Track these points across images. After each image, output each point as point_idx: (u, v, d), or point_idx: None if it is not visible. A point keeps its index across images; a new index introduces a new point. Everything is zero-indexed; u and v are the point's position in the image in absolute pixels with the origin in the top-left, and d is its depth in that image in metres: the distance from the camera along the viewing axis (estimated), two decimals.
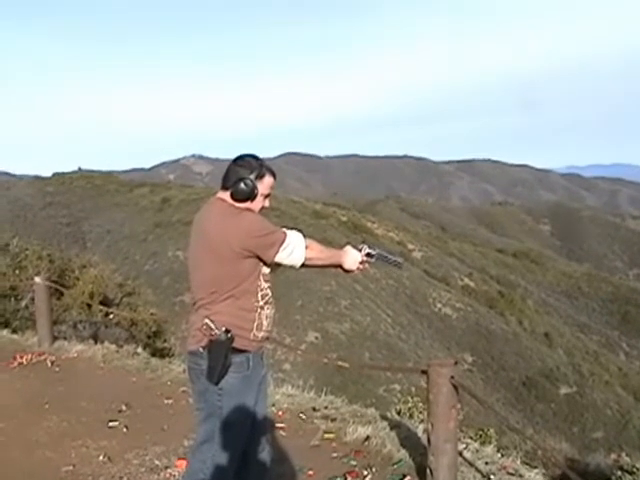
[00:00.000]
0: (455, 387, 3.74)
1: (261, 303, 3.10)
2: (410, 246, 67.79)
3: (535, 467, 5.07)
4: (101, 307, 9.57)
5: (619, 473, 7.29)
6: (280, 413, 5.59)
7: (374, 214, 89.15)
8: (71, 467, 4.61)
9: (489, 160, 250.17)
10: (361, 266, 3.24)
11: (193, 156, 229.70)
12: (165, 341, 11.36)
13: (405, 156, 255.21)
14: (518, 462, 4.87)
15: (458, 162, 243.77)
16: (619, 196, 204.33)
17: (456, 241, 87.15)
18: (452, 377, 3.72)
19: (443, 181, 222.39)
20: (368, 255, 3.24)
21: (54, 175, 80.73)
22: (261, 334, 3.12)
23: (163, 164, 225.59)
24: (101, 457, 4.76)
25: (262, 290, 3.11)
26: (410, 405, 8.40)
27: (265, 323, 3.13)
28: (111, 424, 5.47)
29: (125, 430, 5.36)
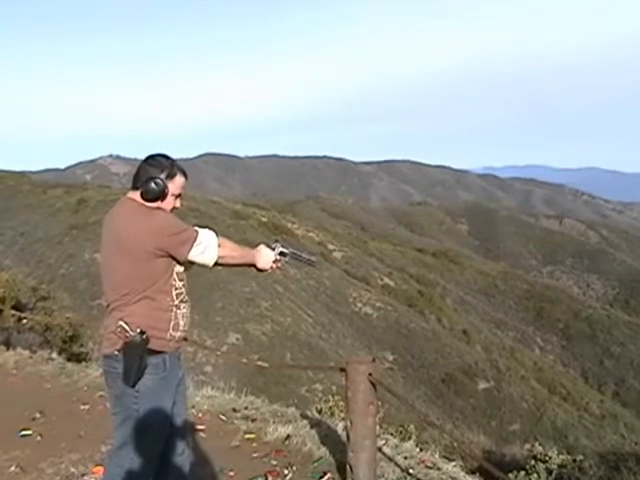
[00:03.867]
0: (373, 384, 3.79)
1: (176, 302, 3.08)
2: (330, 246, 68.12)
3: (453, 460, 5.19)
4: (13, 312, 9.25)
5: (532, 462, 7.58)
6: (200, 415, 5.55)
7: (294, 214, 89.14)
8: None
9: (408, 161, 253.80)
10: (274, 265, 3.26)
11: (110, 156, 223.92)
12: (82, 345, 11.08)
13: (325, 156, 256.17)
14: (437, 456, 4.99)
15: (378, 163, 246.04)
16: (533, 196, 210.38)
17: (376, 241, 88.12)
18: (370, 374, 3.77)
19: (363, 181, 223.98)
20: (281, 254, 3.27)
21: None
22: (178, 334, 3.09)
23: (79, 164, 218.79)
24: (13, 468, 4.60)
25: (177, 289, 3.08)
26: (331, 404, 8.46)
27: (182, 322, 3.11)
28: (24, 433, 5.29)
29: (39, 438, 5.20)
